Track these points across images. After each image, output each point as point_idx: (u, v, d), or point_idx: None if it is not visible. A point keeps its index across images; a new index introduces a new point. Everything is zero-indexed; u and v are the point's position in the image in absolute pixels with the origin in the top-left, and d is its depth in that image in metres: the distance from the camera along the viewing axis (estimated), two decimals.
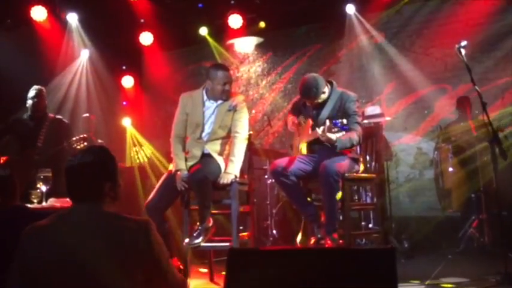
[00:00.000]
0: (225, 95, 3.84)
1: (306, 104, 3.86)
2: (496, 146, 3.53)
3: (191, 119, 3.87)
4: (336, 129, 3.30)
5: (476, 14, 5.75)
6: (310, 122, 3.75)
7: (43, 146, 4.73)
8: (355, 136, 3.56)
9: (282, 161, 3.72)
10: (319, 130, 3.40)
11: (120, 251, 1.74)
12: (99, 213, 1.83)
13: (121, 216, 1.84)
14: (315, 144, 3.74)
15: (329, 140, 3.38)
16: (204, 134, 3.83)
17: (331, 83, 3.80)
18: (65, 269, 1.71)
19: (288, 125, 3.96)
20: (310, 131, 3.73)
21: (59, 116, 5.10)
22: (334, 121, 3.31)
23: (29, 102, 4.90)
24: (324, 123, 3.42)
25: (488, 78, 5.68)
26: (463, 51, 3.60)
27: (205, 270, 4.28)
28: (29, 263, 1.76)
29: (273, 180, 4.76)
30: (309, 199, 3.81)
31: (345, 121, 3.31)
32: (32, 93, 4.91)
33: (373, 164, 3.88)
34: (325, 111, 3.69)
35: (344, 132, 3.33)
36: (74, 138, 4.60)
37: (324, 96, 3.72)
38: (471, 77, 3.57)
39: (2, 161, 4.68)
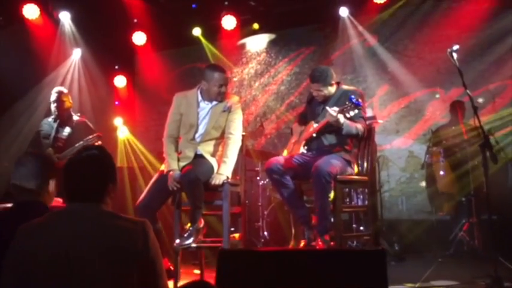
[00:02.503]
0: (221, 97, 3.83)
1: (313, 101, 3.89)
2: (487, 150, 3.54)
3: (185, 119, 3.85)
4: (351, 105, 3.39)
5: (468, 19, 5.78)
6: (313, 123, 3.77)
7: (64, 146, 4.70)
8: (360, 127, 3.61)
9: (277, 159, 3.72)
10: (331, 110, 3.43)
11: (118, 251, 1.73)
12: (97, 213, 1.81)
13: (119, 216, 1.83)
14: (312, 142, 3.76)
15: (337, 121, 3.44)
16: (197, 135, 3.82)
17: (338, 84, 3.85)
18: (61, 268, 1.69)
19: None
20: (311, 129, 3.76)
21: (83, 118, 5.03)
22: (350, 96, 3.42)
23: (52, 106, 4.86)
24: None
25: (479, 83, 5.72)
26: (455, 55, 3.62)
27: (196, 271, 4.26)
28: (23, 261, 1.73)
29: (268, 179, 4.76)
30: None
31: (360, 99, 3.42)
32: (53, 96, 4.86)
33: (365, 166, 3.88)
34: (330, 104, 3.71)
35: (357, 111, 3.45)
36: (89, 137, 4.58)
37: (331, 89, 3.75)
38: (463, 81, 3.58)
39: None
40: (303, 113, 4.14)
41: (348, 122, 3.49)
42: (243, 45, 7.39)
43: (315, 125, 3.73)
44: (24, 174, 2.30)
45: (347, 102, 3.42)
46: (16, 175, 2.31)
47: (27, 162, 2.33)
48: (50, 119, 4.93)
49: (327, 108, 3.51)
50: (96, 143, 4.54)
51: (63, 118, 4.87)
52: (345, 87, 3.85)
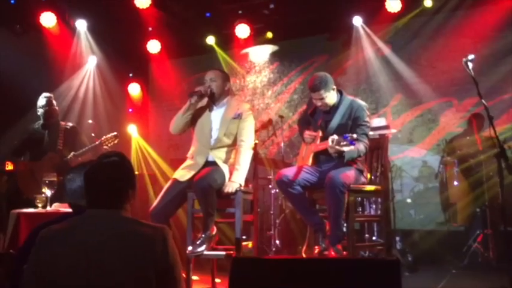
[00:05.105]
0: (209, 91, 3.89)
1: (315, 112, 3.84)
2: (502, 160, 3.50)
3: (198, 124, 3.90)
4: (345, 143, 3.29)
5: (482, 28, 5.75)
6: (320, 133, 3.73)
7: (63, 150, 4.73)
8: (362, 148, 3.54)
9: (287, 171, 3.70)
10: (329, 141, 3.38)
11: (137, 256, 1.73)
12: (117, 218, 1.83)
13: (139, 222, 1.84)
14: (321, 155, 3.73)
15: (337, 151, 3.39)
16: (212, 140, 3.85)
17: (340, 92, 3.78)
18: (81, 273, 1.70)
19: (304, 135, 3.86)
20: (318, 141, 3.72)
21: (70, 123, 5.06)
22: (344, 135, 3.30)
23: (41, 110, 4.85)
24: (332, 134, 3.45)
25: (494, 93, 5.67)
26: (470, 64, 3.58)
27: (208, 278, 4.26)
28: (45, 266, 1.74)
29: (278, 190, 4.74)
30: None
31: (354, 136, 3.29)
32: (42, 101, 4.86)
33: (378, 176, 3.86)
34: (335, 120, 3.67)
35: (352, 147, 3.32)
36: (106, 136, 4.59)
37: (331, 98, 3.67)
38: (478, 90, 3.54)
39: (11, 166, 4.70)
40: (303, 123, 4.01)
41: (349, 149, 3.36)
42: (264, 53, 7.40)
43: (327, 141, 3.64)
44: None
45: (342, 140, 3.29)
46: (69, 194, 2.33)
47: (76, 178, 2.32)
48: (37, 126, 4.91)
49: (328, 145, 3.41)
50: (113, 142, 4.56)
51: (52, 123, 4.86)
52: (349, 97, 3.76)
